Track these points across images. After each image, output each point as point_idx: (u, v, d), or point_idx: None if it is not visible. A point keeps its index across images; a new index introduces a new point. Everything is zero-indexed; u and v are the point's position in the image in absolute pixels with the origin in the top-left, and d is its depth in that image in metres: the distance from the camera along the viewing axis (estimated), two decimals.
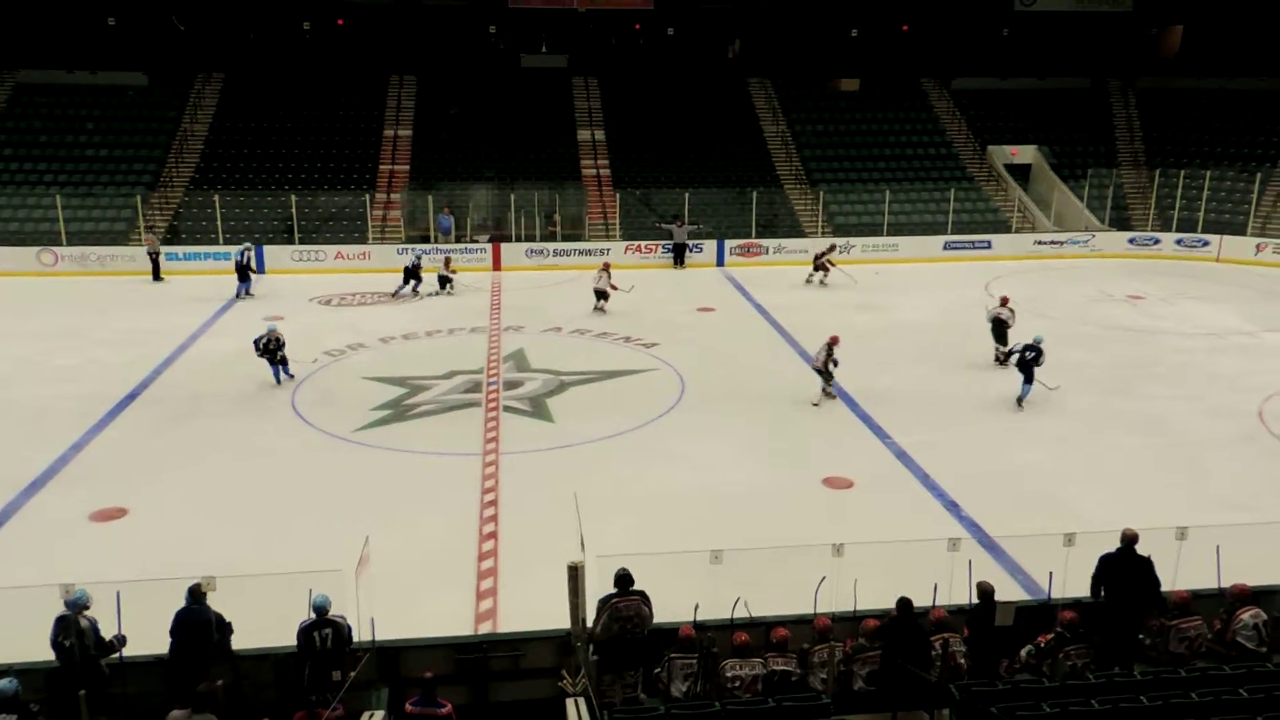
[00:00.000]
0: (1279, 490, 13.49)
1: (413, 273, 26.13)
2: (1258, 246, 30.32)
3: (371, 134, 34.07)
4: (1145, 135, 36.53)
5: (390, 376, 18.85)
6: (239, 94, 34.80)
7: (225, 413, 16.81)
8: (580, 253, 29.78)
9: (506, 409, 17.21)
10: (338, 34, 36.12)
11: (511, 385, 18.52)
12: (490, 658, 8.76)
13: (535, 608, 9.61)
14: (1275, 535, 9.75)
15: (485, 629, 10.38)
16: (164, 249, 27.85)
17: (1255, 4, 36.12)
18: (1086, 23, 37.98)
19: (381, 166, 33.03)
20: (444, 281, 26.28)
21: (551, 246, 29.88)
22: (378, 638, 8.40)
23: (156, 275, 27.28)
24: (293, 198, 29.92)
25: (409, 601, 10.37)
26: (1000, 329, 19.59)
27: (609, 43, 38.62)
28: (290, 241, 29.17)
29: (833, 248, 28.28)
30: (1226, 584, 9.28)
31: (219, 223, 29.19)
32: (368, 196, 30.86)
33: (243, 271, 25.52)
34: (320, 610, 7.99)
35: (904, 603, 8.36)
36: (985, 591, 8.78)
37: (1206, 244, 31.07)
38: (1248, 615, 8.88)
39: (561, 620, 8.54)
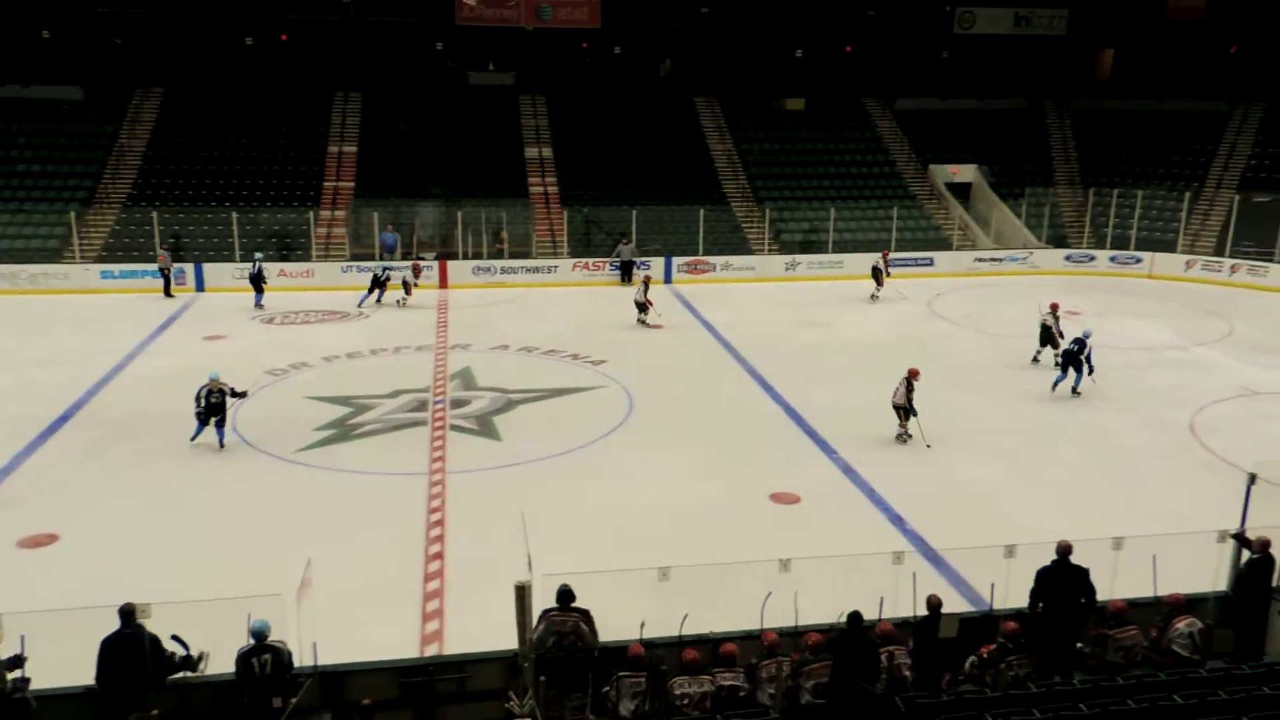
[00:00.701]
0: (1209, 500, 13.82)
1: (379, 282, 26.17)
2: (1187, 263, 31.26)
3: (316, 150, 33.70)
4: (1080, 155, 37.52)
5: (334, 396, 18.58)
6: (178, 109, 34.21)
7: (162, 434, 16.39)
8: (528, 270, 29.72)
9: (453, 428, 17.05)
10: (281, 49, 35.75)
11: (458, 404, 18.37)
12: (437, 680, 8.62)
13: (482, 629, 9.48)
14: (1207, 544, 10.00)
15: (432, 651, 10.24)
16: (174, 265, 27.50)
17: (1181, 29, 37.41)
18: (1022, 45, 39.04)
19: (326, 183, 32.67)
20: (407, 287, 26.45)
21: (499, 264, 29.76)
22: (320, 662, 8.23)
23: (168, 292, 26.99)
24: (234, 215, 29.44)
25: (353, 624, 10.19)
26: (1046, 333, 20.64)
27: (556, 61, 38.72)
28: (231, 259, 28.65)
29: (885, 255, 28.72)
30: (1162, 593, 9.51)
31: (157, 240, 28.59)
32: (311, 214, 30.49)
33: (256, 282, 25.91)
34: (259, 635, 7.80)
35: (855, 616, 8.43)
36: (933, 605, 8.89)
37: (1139, 261, 31.94)
38: (1183, 624, 9.10)
39: (509, 641, 8.45)
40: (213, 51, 35.76)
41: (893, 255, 29.28)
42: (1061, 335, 20.36)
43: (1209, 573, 9.90)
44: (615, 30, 36.93)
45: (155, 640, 7.79)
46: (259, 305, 26.00)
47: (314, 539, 12.01)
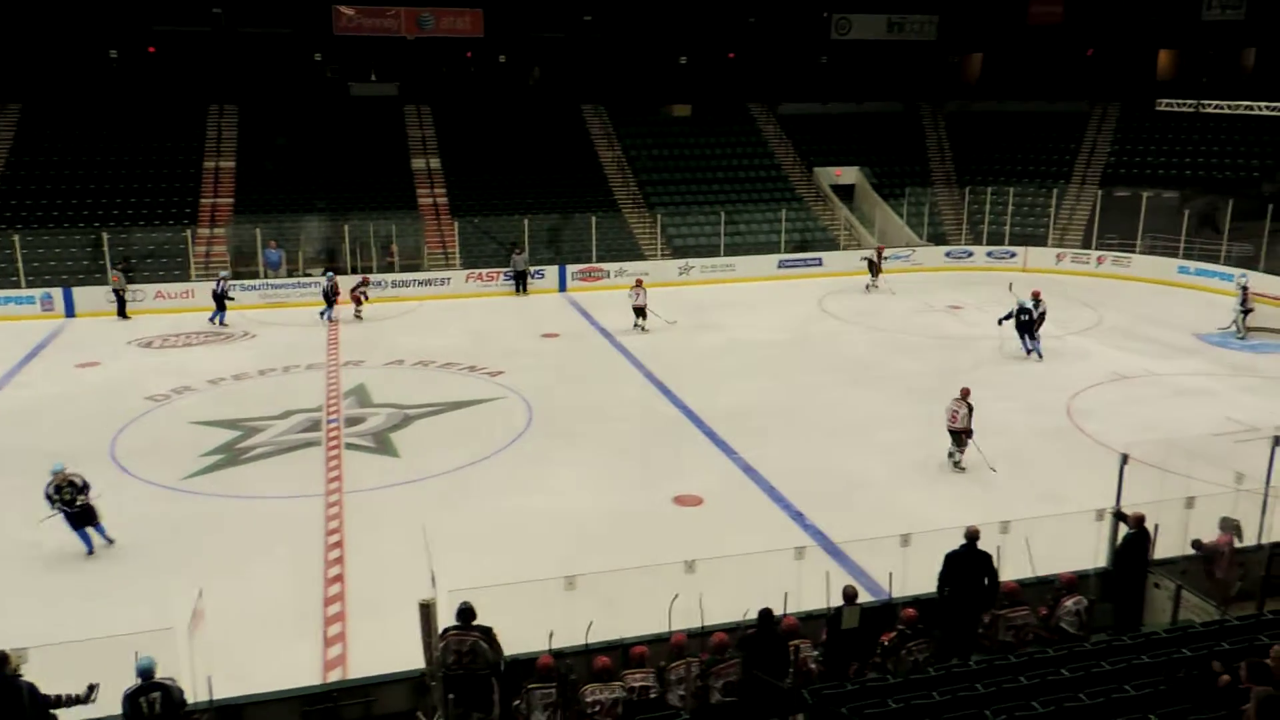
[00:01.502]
0: (1087, 481, 14.53)
1: (328, 296, 26.00)
2: (1058, 256, 32.84)
3: (191, 166, 32.45)
4: (955, 155, 39.01)
5: (221, 419, 17.92)
6: (38, 126, 32.48)
7: (34, 469, 15.44)
8: (420, 283, 29.26)
9: (349, 446, 16.65)
10: (149, 62, 34.35)
11: (353, 421, 17.95)
12: (341, 706, 8.41)
13: (388, 650, 9.29)
14: (1086, 523, 10.53)
15: (335, 677, 9.97)
16: (129, 286, 26.82)
17: (1042, 34, 39.34)
18: (896, 50, 40.43)
19: (203, 200, 31.49)
20: (359, 300, 26.40)
21: (390, 278, 29.20)
22: (216, 697, 7.93)
23: (122, 313, 26.33)
24: (104, 235, 28.11)
25: (251, 655, 9.85)
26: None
27: (440, 70, 38.28)
28: (104, 282, 27.32)
29: (880, 250, 30.11)
30: (1040, 572, 9.96)
31: (20, 264, 27.09)
32: (189, 232, 29.35)
33: (219, 300, 25.57)
34: (145, 674, 7.46)
35: (765, 613, 8.57)
36: (848, 596, 9.10)
37: (1014, 255, 33.40)
38: (1071, 602, 9.54)
39: (416, 661, 8.30)
40: (74, 66, 34.08)
41: (786, 257, 29.95)
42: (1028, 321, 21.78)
43: (1089, 550, 10.42)
44: (499, 39, 36.74)
45: (32, 687, 7.39)
46: (221, 323, 25.63)
47: (206, 569, 11.57)
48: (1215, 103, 32.91)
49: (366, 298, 26.52)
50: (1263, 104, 31.29)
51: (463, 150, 34.87)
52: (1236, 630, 8.50)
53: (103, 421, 17.70)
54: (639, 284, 25.17)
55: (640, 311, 24.68)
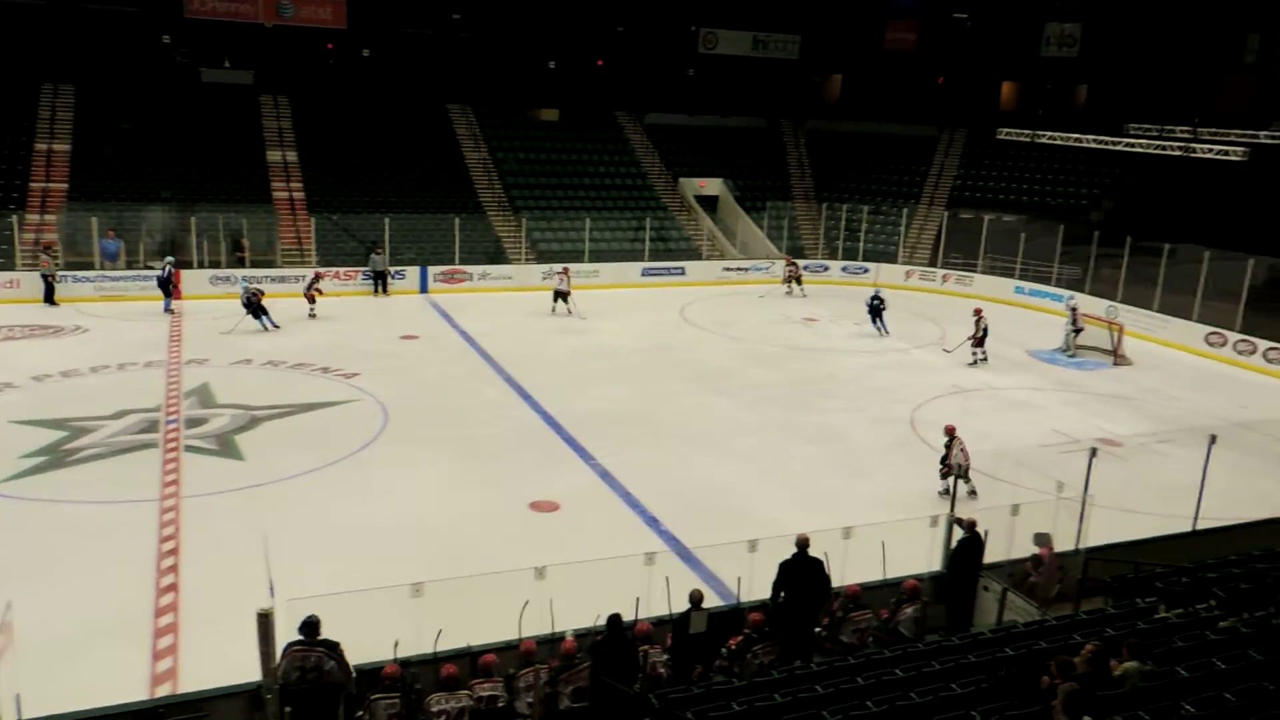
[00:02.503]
0: (926, 490, 15.27)
1: (164, 284, 24.91)
2: (907, 273, 34.36)
3: (20, 148, 30.24)
4: (814, 172, 40.31)
5: (46, 419, 16.76)
6: None
7: None
8: (273, 279, 28.06)
9: (189, 449, 15.85)
10: None
11: (195, 422, 17.10)
12: None
13: (223, 663, 8.88)
14: (923, 529, 11.04)
15: (164, 691, 9.46)
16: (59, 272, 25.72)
17: (896, 60, 41.17)
18: (760, 68, 41.52)
19: (33, 184, 29.38)
20: (311, 298, 25.75)
21: (240, 273, 27.93)
22: (26, 716, 7.39)
23: (49, 299, 25.23)
24: None
25: (69, 671, 9.27)
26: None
27: (299, 61, 36.97)
28: None
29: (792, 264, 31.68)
30: (890, 575, 10.39)
31: None
32: (15, 218, 27.34)
33: (165, 286, 24.94)
34: None
35: (614, 619, 8.61)
36: (695, 600, 9.23)
37: (866, 270, 34.75)
38: (911, 610, 9.98)
39: (253, 673, 7.96)
40: None
41: (650, 265, 30.45)
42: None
43: (925, 554, 10.93)
44: (362, 32, 35.78)
45: None
46: (168, 310, 24.90)
47: (21, 580, 10.81)
48: (1050, 134, 35.12)
49: (320, 293, 26.03)
50: (1090, 137, 33.59)
51: (322, 144, 33.75)
52: (1055, 630, 9.07)
53: None
54: (565, 271, 27.68)
55: (563, 296, 26.84)
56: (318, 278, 26.42)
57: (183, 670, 9.91)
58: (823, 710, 7.14)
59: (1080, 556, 10.98)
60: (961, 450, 14.54)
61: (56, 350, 21.30)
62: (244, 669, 8.16)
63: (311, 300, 25.73)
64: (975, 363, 23.20)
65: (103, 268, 26.90)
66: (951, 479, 14.10)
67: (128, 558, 12.11)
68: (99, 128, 31.51)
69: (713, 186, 37.87)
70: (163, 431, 16.56)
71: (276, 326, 23.70)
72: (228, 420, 17.28)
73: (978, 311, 23.73)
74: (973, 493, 14.71)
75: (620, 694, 8.35)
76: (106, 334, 22.91)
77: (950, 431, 14.99)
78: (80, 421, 16.72)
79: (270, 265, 28.87)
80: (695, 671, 8.95)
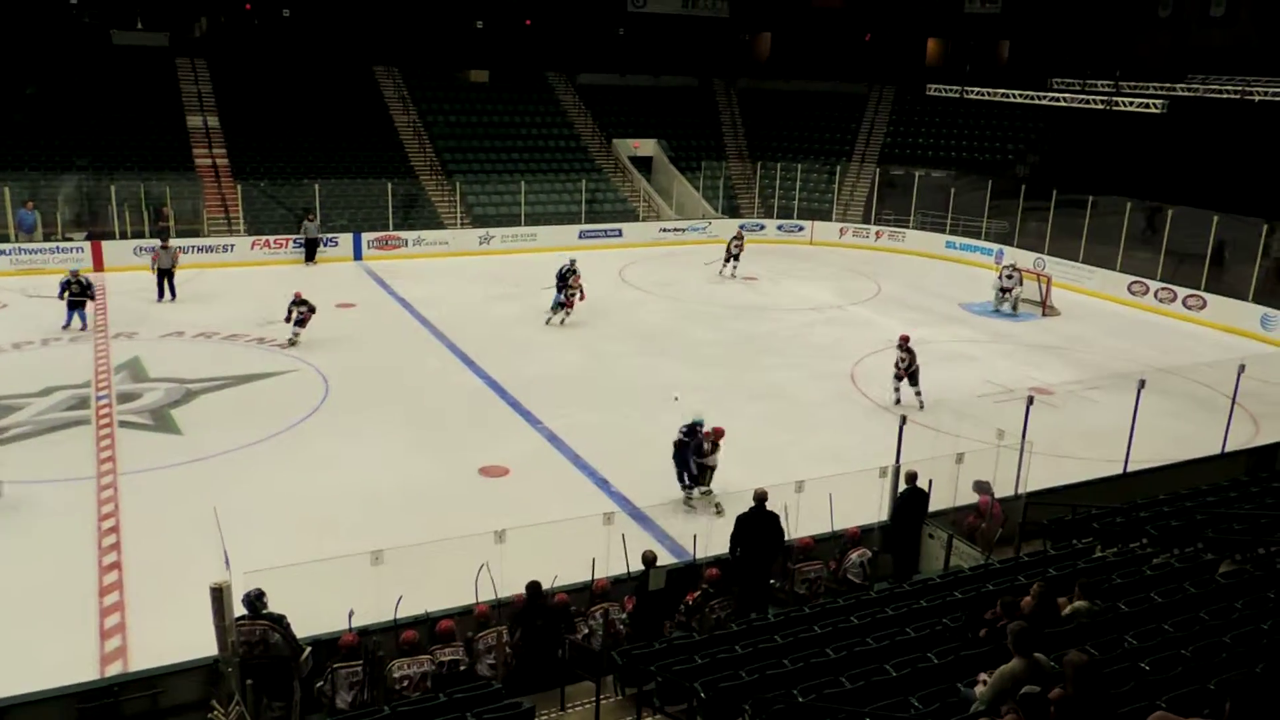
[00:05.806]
0: (868, 441, 15.57)
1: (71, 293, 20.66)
2: (841, 230, 34.73)
3: None
4: (747, 131, 40.33)
5: None
6: None
7: None
8: (200, 249, 27.30)
9: (123, 424, 15.44)
10: None
11: (127, 398, 16.64)
12: (123, 701, 7.84)
13: (175, 639, 8.75)
14: (870, 480, 11.29)
15: (115, 670, 9.29)
16: None
17: (825, 17, 41.26)
18: (691, 26, 41.24)
19: None
20: (301, 320, 20.38)
21: (150, 243, 26.98)
22: None
23: None
24: None
25: (12, 653, 9.04)
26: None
27: (218, 21, 35.69)
28: None
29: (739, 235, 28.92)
30: (838, 527, 10.63)
31: None
32: None
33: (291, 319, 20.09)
34: None
35: (532, 586, 8.67)
36: (647, 560, 9.35)
37: (801, 229, 35.05)
38: (855, 555, 10.25)
39: (208, 648, 7.86)
40: None
41: (587, 227, 30.21)
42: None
43: (873, 505, 11.19)
44: None
45: None
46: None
47: None
48: (977, 90, 35.66)
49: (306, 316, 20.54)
50: (1016, 92, 34.18)
51: (245, 109, 32.70)
52: (999, 572, 9.40)
53: None
54: (572, 263, 22.93)
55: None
56: (300, 300, 20.52)
57: (132, 648, 9.75)
58: (783, 659, 7.31)
59: (1021, 501, 11.35)
60: (911, 354, 16.79)
61: None
62: (195, 645, 8.06)
63: (299, 324, 20.32)
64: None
65: (18, 240, 25.84)
66: (904, 384, 17.10)
67: (66, 537, 11.81)
68: (6, 94, 30.08)
69: (646, 147, 37.67)
70: (94, 408, 16.09)
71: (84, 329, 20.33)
72: (162, 394, 16.85)
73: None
74: (921, 405, 16.56)
75: (584, 651, 8.45)
76: (27, 308, 22.06)
77: (904, 340, 16.94)
78: (5, 399, 16.14)
79: (196, 234, 28.03)
80: (666, 627, 9.07)
